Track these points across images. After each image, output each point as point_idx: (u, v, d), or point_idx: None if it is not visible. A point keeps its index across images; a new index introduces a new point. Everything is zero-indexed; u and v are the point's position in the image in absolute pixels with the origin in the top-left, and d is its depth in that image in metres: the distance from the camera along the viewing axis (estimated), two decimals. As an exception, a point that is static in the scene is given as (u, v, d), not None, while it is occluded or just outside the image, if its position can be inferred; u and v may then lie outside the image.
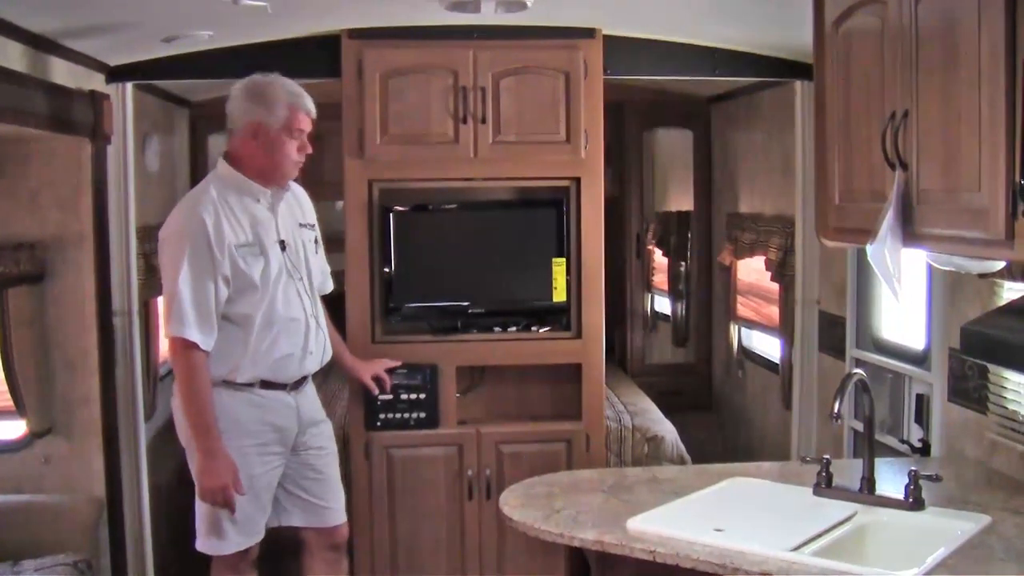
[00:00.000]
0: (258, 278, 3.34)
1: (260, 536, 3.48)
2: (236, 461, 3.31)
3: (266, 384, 3.40)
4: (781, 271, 4.90)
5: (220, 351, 3.32)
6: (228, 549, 3.41)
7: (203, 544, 3.43)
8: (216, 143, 5.77)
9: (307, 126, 3.45)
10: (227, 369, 3.35)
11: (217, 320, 3.29)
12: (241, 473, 3.31)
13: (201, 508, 3.38)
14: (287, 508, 3.55)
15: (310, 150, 3.47)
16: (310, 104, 3.45)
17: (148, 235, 4.57)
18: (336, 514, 3.64)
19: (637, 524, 2.65)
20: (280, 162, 3.41)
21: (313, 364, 3.53)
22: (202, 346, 3.25)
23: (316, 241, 3.62)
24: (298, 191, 3.63)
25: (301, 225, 3.55)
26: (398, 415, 4.28)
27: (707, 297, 6.30)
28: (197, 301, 3.24)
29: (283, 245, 3.43)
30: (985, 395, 3.22)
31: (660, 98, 6.06)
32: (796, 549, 2.45)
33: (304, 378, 3.53)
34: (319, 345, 3.53)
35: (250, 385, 3.38)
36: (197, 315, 3.24)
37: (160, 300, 4.77)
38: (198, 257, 3.25)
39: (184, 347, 3.26)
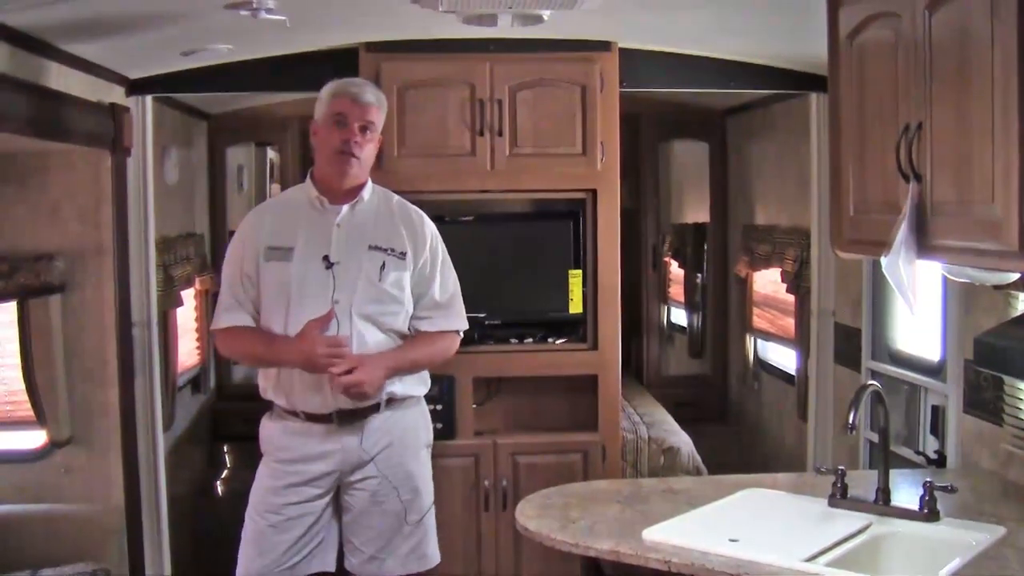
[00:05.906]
0: (274, 285, 3.15)
1: (296, 572, 3.19)
2: (269, 484, 3.19)
3: (310, 416, 3.16)
4: (797, 283, 4.90)
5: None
6: (250, 571, 3.20)
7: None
8: (234, 155, 5.82)
9: (347, 108, 3.12)
10: (264, 385, 3.25)
11: (249, 309, 3.21)
12: (269, 497, 3.19)
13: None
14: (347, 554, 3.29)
15: (355, 137, 3.13)
16: (354, 88, 3.16)
17: (167, 246, 4.62)
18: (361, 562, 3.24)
19: (653, 534, 2.65)
20: (325, 156, 3.17)
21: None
22: (221, 326, 3.25)
23: (384, 267, 3.17)
24: (400, 211, 3.32)
25: (372, 248, 3.19)
26: (415, 426, 4.30)
27: (723, 309, 6.30)
28: (223, 293, 3.27)
29: (328, 262, 3.14)
30: (1000, 406, 3.21)
31: (676, 110, 6.08)
32: (811, 560, 2.45)
33: (356, 412, 3.16)
34: None
35: (293, 413, 3.18)
36: (221, 306, 3.26)
37: (179, 311, 4.85)
38: (231, 255, 3.27)
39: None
